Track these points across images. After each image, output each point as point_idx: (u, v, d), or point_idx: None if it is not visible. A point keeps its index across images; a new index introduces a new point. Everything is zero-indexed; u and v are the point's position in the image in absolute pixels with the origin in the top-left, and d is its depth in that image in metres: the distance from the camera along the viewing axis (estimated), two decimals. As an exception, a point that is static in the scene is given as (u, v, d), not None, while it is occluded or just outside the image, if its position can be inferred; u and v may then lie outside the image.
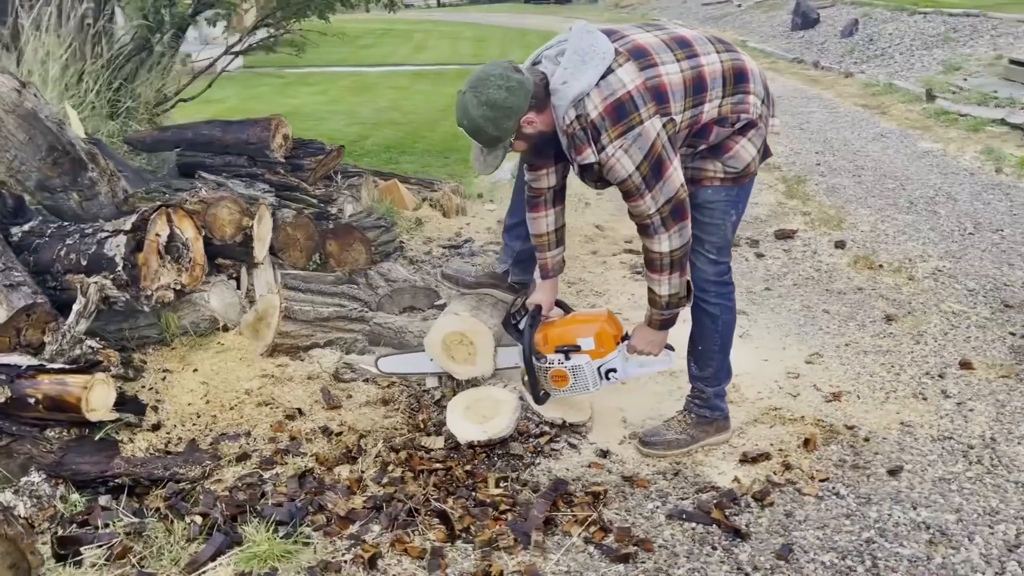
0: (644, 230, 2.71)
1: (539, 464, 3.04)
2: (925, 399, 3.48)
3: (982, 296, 4.59)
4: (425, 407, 3.31)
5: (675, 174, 2.61)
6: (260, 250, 3.97)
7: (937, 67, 12.41)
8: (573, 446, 3.14)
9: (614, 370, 3.05)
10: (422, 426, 3.17)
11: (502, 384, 3.34)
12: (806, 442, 3.12)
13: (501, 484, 2.89)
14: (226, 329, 3.70)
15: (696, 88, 2.63)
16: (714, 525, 2.70)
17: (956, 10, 15.23)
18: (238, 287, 3.84)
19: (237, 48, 6.15)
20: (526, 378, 3.09)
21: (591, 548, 2.61)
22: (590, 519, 2.69)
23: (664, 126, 2.55)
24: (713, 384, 3.10)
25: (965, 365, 3.76)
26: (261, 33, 6.11)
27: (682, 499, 2.84)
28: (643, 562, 2.54)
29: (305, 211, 4.89)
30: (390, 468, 2.95)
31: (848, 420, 3.31)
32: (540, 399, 3.11)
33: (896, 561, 2.52)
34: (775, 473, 2.97)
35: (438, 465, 2.95)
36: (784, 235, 5.69)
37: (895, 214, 6.20)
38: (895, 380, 3.66)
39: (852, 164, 7.74)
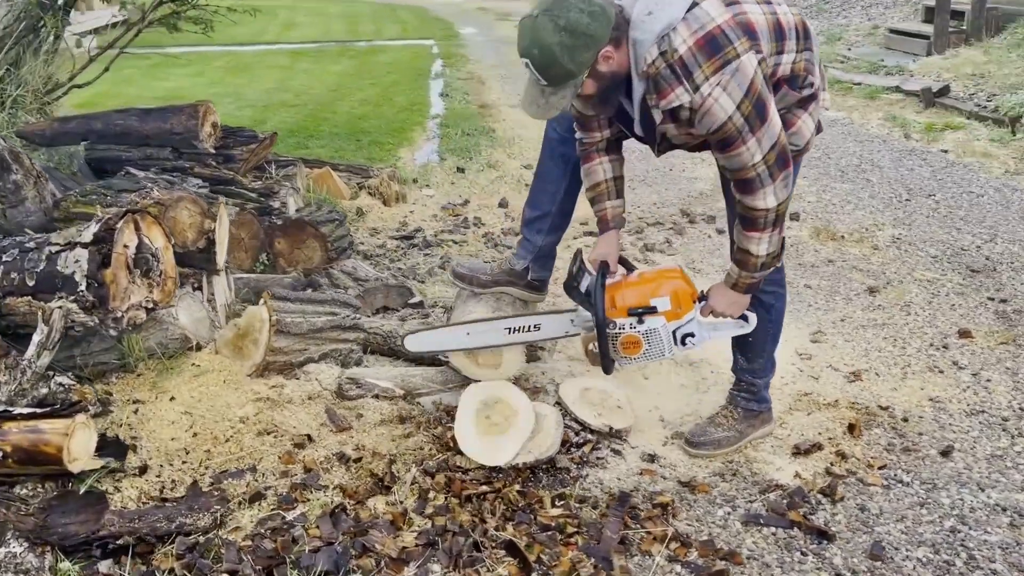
0: (746, 185, 2.43)
1: (587, 476, 2.79)
2: (942, 372, 3.46)
3: (946, 262, 4.66)
4: (446, 422, 2.98)
5: (776, 116, 2.37)
6: (222, 255, 3.52)
7: (819, 38, 12.80)
8: (617, 452, 2.91)
9: (691, 335, 2.75)
10: (452, 444, 2.86)
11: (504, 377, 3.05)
12: (851, 427, 3.02)
13: (558, 503, 2.63)
14: (198, 348, 3.24)
15: (777, 34, 2.41)
16: (795, 528, 2.54)
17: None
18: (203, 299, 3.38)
19: (137, 26, 5.49)
20: (591, 346, 2.79)
21: (678, 567, 2.39)
22: (667, 535, 2.48)
23: (759, 64, 2.33)
24: (762, 376, 2.94)
25: (964, 334, 3.77)
26: (162, 10, 5.48)
27: (749, 501, 2.67)
28: (739, 579, 2.35)
29: (247, 207, 4.42)
30: (431, 496, 2.63)
31: (879, 400, 3.24)
32: (610, 369, 2.80)
33: (989, 550, 2.44)
34: (832, 464, 2.84)
35: (485, 488, 2.65)
36: (737, 210, 5.62)
37: (832, 183, 6.27)
38: (904, 354, 3.63)
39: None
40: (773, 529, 2.54)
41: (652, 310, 2.71)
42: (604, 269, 2.74)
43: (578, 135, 2.79)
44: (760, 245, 2.52)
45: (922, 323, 3.93)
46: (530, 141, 7.73)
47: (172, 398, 3.02)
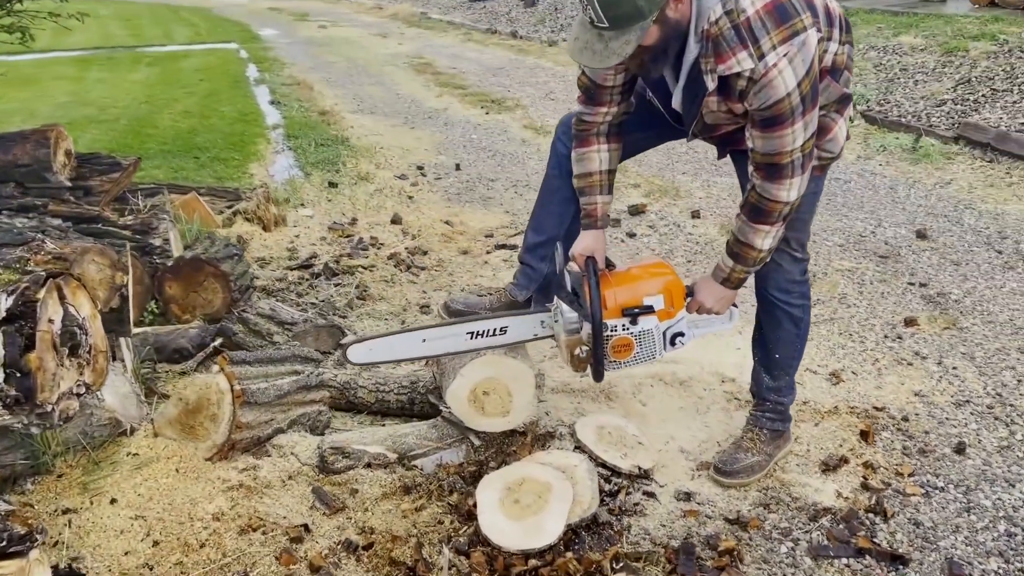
0: (776, 172, 2.25)
1: (630, 527, 2.52)
2: (911, 364, 3.48)
3: (854, 250, 4.79)
4: (460, 486, 2.60)
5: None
6: (134, 314, 2.91)
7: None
8: (651, 495, 2.66)
9: (681, 334, 2.59)
10: (473, 511, 2.48)
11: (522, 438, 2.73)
12: (864, 434, 2.95)
13: (616, 566, 2.34)
14: (131, 432, 2.65)
15: (827, 19, 2.28)
16: (866, 556, 2.40)
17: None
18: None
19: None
20: (578, 351, 2.51)
21: (774, 622, 2.18)
22: (748, 586, 2.26)
23: (819, 42, 2.15)
24: (788, 394, 2.79)
25: (910, 323, 3.84)
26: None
27: (806, 532, 2.51)
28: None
29: (125, 248, 3.76)
30: (477, 580, 2.26)
31: (871, 401, 3.20)
32: (602, 376, 2.55)
33: (1051, 549, 2.41)
34: (866, 478, 2.74)
35: (536, 562, 2.31)
36: (637, 211, 5.53)
37: (712, 177, 6.35)
38: (866, 349, 3.63)
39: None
40: (845, 560, 2.39)
41: (648, 309, 2.50)
42: (594, 265, 2.49)
43: (578, 110, 2.55)
44: (766, 240, 2.38)
45: (865, 314, 3.97)
46: (392, 150, 7.31)
47: (113, 500, 2.43)
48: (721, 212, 5.52)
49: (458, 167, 6.70)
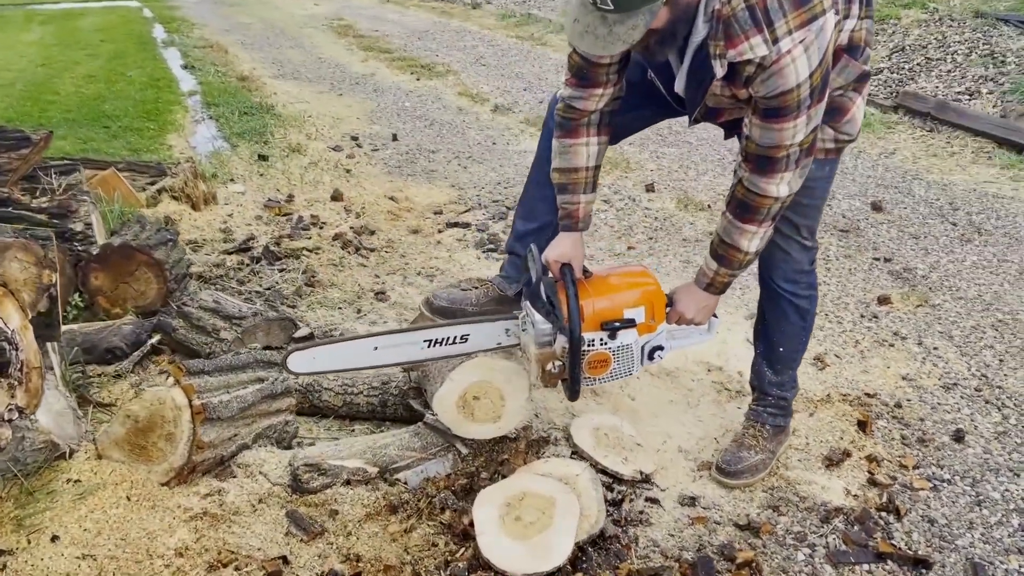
0: (767, 165, 2.06)
1: (637, 539, 2.34)
2: (892, 345, 3.40)
3: (814, 224, 4.70)
4: (452, 503, 2.36)
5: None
6: (60, 315, 2.56)
7: (563, -4, 12.91)
8: (654, 501, 2.47)
9: (660, 348, 2.40)
10: (470, 530, 2.25)
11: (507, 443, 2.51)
12: (861, 424, 2.84)
13: (630, 583, 2.16)
14: (70, 455, 2.31)
15: None
16: (887, 560, 2.28)
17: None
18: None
19: None
20: (550, 367, 2.30)
21: (805, 640, 2.03)
22: (774, 600, 2.10)
23: (835, 26, 1.95)
24: (791, 388, 2.64)
25: (884, 300, 3.77)
26: None
27: (818, 535, 2.37)
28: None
29: (43, 235, 3.36)
30: (483, 612, 2.04)
31: (859, 387, 3.10)
32: (578, 394, 2.34)
33: (1069, 542, 2.34)
34: (872, 472, 2.62)
35: (544, 586, 2.10)
36: (590, 184, 5.32)
37: (658, 148, 6.19)
38: (844, 330, 3.54)
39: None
40: (867, 567, 2.26)
41: (629, 323, 2.30)
42: (571, 274, 2.27)
43: (567, 93, 2.28)
44: (752, 240, 2.19)
45: (837, 292, 3.87)
46: (322, 118, 6.90)
47: (55, 537, 2.10)
48: (675, 185, 5.36)
49: (395, 137, 6.36)
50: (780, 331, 2.53)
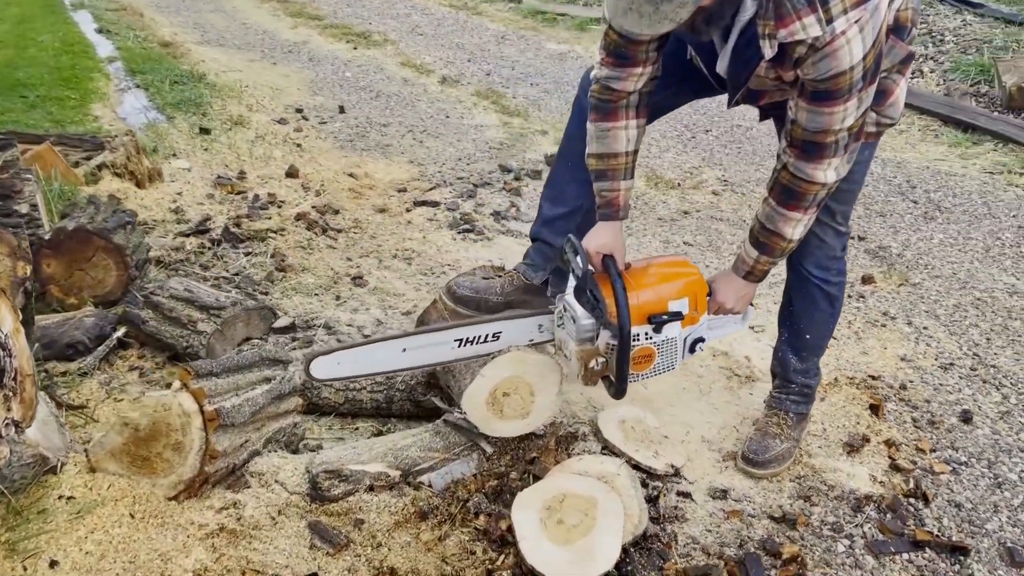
0: (815, 151, 1.97)
1: (676, 535, 2.25)
2: (884, 326, 3.41)
3: (782, 202, 4.70)
4: (485, 507, 2.22)
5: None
6: (33, 311, 2.29)
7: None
8: (686, 495, 2.40)
9: (702, 340, 2.32)
10: (508, 536, 2.12)
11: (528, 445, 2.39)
12: (873, 408, 2.82)
13: (682, 587, 2.07)
14: (60, 469, 2.07)
15: None
16: (926, 548, 2.26)
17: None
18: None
19: None
20: (593, 364, 2.18)
21: (863, 637, 1.99)
22: (827, 597, 2.05)
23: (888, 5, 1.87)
24: (815, 376, 2.58)
25: (868, 280, 3.78)
26: None
27: (854, 525, 2.34)
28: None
29: (21, 229, 3.08)
30: (536, 624, 1.92)
31: (863, 369, 3.09)
32: (624, 392, 2.23)
33: (1092, 522, 2.37)
34: (892, 458, 2.61)
35: (595, 593, 1.99)
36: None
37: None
38: (834, 311, 3.52)
39: (518, 72, 7.46)
40: (907, 555, 2.24)
41: (676, 316, 2.21)
42: (615, 266, 2.16)
43: (603, 74, 2.14)
44: (797, 228, 2.13)
45: (819, 272, 3.86)
46: (260, 89, 6.55)
47: (54, 563, 1.88)
48: (640, 162, 5.27)
49: (342, 110, 6.08)
50: (808, 318, 2.46)
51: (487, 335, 2.25)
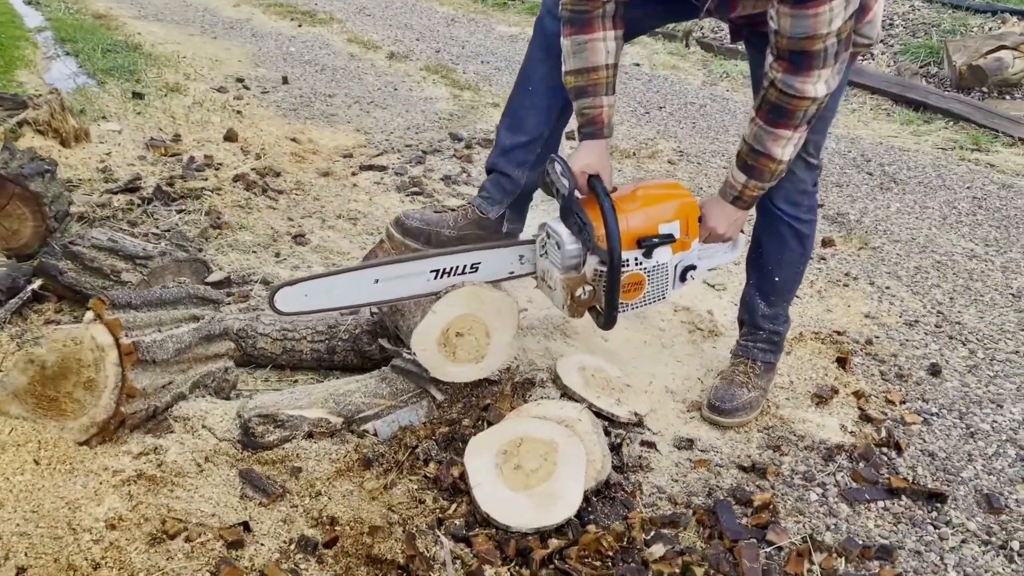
0: (804, 60, 1.84)
1: (640, 485, 2.10)
2: (846, 285, 3.32)
3: (739, 172, 4.61)
4: (436, 453, 2.04)
5: None
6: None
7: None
8: (650, 445, 2.25)
9: (693, 267, 2.19)
10: (461, 484, 1.95)
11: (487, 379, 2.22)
12: (840, 362, 2.71)
13: (647, 537, 1.92)
14: (-47, 411, 1.84)
15: None
16: (902, 496, 2.15)
17: None
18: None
19: None
20: (580, 293, 2.03)
21: (842, 585, 1.86)
22: (806, 548, 1.92)
23: None
24: (784, 322, 2.46)
25: (828, 243, 3.70)
26: None
27: (826, 474, 2.22)
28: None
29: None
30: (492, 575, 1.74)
31: (827, 325, 2.99)
32: (614, 321, 2.09)
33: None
34: (862, 408, 2.50)
35: (557, 541, 1.83)
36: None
37: (568, 98, 5.96)
38: (796, 271, 3.42)
39: (468, 51, 7.29)
40: (882, 503, 2.12)
41: (666, 239, 2.07)
42: (601, 186, 2.02)
43: None
44: (787, 147, 2.01)
45: (779, 236, 3.77)
46: (199, 60, 6.27)
47: (-56, 514, 1.65)
48: (594, 133, 5.15)
49: (286, 80, 5.84)
50: (778, 259, 2.34)
51: (465, 266, 2.08)
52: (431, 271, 2.05)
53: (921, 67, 6.34)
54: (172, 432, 1.91)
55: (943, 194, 4.43)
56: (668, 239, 2.09)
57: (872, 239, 3.77)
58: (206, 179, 3.86)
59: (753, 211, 2.29)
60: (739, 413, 2.35)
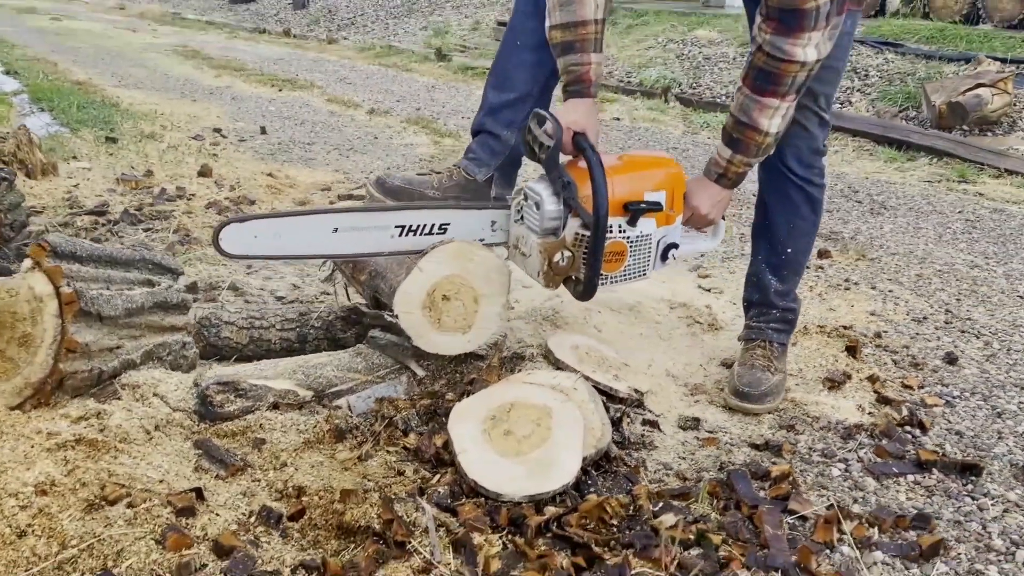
0: (794, 19, 1.75)
1: (644, 461, 1.89)
2: (847, 289, 3.17)
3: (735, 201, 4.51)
4: (416, 424, 1.83)
5: None
6: None
7: (423, 32, 12.73)
8: (652, 424, 2.05)
9: (675, 246, 2.05)
10: (444, 455, 1.74)
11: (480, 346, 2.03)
12: (850, 349, 2.55)
13: (655, 508, 1.70)
14: None
15: None
16: (932, 469, 1.94)
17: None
18: None
19: None
20: (559, 257, 1.87)
21: (878, 554, 1.64)
22: (829, 517, 1.71)
23: None
24: (796, 300, 2.30)
25: (824, 254, 3.57)
26: None
27: (846, 450, 2.02)
28: (951, 547, 1.68)
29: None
30: (481, 543, 1.52)
31: (831, 322, 2.82)
32: (594, 289, 1.92)
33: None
34: (878, 391, 2.32)
35: (554, 509, 1.61)
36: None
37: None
38: (794, 279, 3.28)
39: (448, 109, 7.29)
40: (913, 477, 1.92)
41: (653, 206, 1.93)
42: (588, 143, 1.89)
43: None
44: (774, 118, 1.89)
45: (773, 251, 3.64)
46: (177, 116, 6.21)
47: None
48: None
49: (264, 131, 5.77)
50: (789, 228, 2.20)
51: (433, 225, 1.92)
52: (396, 226, 1.88)
53: (900, 111, 6.37)
54: (119, 399, 1.69)
55: (935, 217, 4.34)
56: (655, 206, 1.95)
57: (869, 252, 3.65)
58: (175, 204, 3.71)
59: (754, 178, 2.16)
60: (768, 399, 2.16)
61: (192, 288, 2.70)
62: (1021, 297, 3.14)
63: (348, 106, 7.11)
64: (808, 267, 3.38)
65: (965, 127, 5.80)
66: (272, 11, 17.15)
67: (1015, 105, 5.95)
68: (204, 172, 4.33)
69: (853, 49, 7.48)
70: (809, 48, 1.80)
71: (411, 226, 1.92)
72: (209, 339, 2.22)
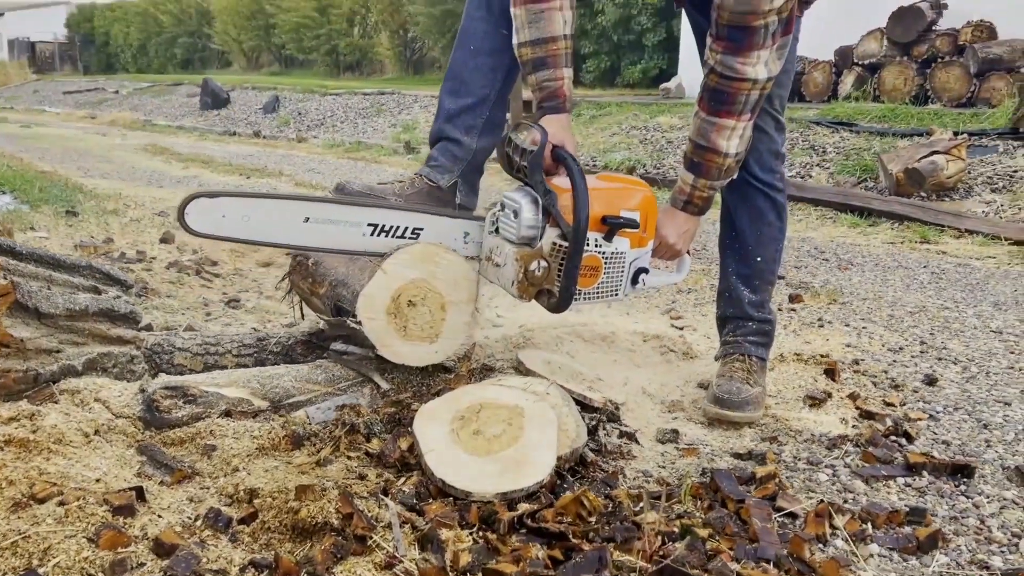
0: (743, 37, 1.77)
1: (623, 468, 1.79)
2: (821, 326, 3.13)
3: (702, 256, 4.52)
4: (380, 430, 1.72)
5: None
6: None
7: (392, 129, 12.97)
8: (629, 436, 1.95)
9: (645, 271, 2.00)
10: (409, 457, 1.63)
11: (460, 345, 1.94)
12: (829, 372, 2.49)
13: (635, 508, 1.60)
14: None
15: None
16: (922, 472, 1.86)
17: (369, 89, 16.42)
18: None
19: None
20: (535, 266, 1.81)
21: (874, 547, 1.54)
22: (820, 511, 1.61)
23: None
24: (771, 312, 2.25)
25: (795, 299, 3.55)
26: None
27: (831, 458, 1.94)
28: (950, 539, 1.58)
29: None
30: (449, 540, 1.40)
31: (808, 351, 2.76)
32: (568, 303, 1.85)
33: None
34: (859, 407, 2.25)
35: (527, 505, 1.50)
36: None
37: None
38: (766, 320, 3.23)
39: (418, 189, 7.32)
40: (903, 479, 1.83)
41: (631, 223, 1.90)
42: (570, 155, 1.87)
43: None
44: (732, 139, 1.90)
45: (744, 298, 3.61)
46: (141, 197, 6.16)
47: None
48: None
49: (230, 208, 5.71)
50: (757, 236, 2.16)
51: (406, 229, 1.86)
52: (369, 224, 1.82)
53: (859, 182, 6.50)
54: (56, 403, 1.57)
55: (902, 271, 4.36)
56: (632, 224, 1.92)
57: (840, 297, 3.63)
58: (135, 266, 3.62)
59: (718, 201, 2.14)
60: (748, 407, 2.08)
61: (147, 328, 2.60)
62: (994, 331, 3.11)
63: (316, 188, 7.13)
64: (780, 309, 3.36)
65: (923, 193, 5.92)
66: (242, 115, 17.42)
67: (969, 172, 6.11)
68: (167, 239, 4.26)
69: (809, 129, 7.72)
70: (759, 66, 1.82)
71: (384, 226, 1.86)
72: (161, 366, 2.11)
